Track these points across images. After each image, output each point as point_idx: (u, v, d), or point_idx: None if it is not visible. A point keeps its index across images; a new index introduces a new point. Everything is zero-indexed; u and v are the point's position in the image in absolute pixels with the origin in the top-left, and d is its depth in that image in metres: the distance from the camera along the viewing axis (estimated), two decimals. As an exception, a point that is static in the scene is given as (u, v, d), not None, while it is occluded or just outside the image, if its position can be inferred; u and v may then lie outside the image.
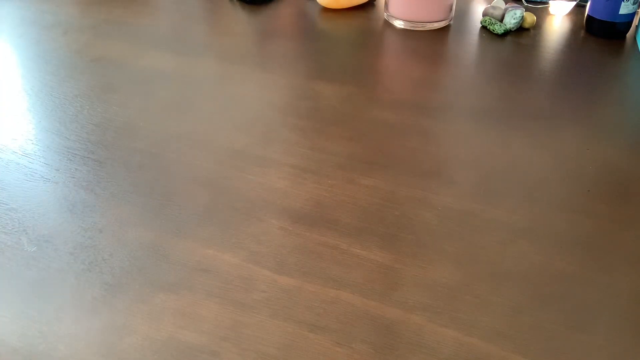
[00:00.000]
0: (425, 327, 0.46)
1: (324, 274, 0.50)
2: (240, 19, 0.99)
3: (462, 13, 1.02)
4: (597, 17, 0.91)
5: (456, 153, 0.66)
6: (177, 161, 0.64)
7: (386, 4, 0.98)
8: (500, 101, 0.75)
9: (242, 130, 0.69)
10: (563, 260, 0.52)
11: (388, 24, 0.98)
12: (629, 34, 0.93)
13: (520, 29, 0.95)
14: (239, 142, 0.67)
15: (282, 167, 0.63)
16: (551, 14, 1.01)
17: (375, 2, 1.06)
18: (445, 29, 0.96)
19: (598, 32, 0.92)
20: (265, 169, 0.63)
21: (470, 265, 0.51)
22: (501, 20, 0.95)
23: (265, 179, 0.61)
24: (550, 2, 1.01)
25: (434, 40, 0.92)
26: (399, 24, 0.97)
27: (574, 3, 1.00)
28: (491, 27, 0.94)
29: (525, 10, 0.96)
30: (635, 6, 0.89)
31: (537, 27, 0.96)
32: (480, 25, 0.97)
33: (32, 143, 0.67)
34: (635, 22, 0.93)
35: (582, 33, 0.94)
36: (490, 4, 1.00)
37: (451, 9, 0.96)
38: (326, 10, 1.03)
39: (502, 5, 0.95)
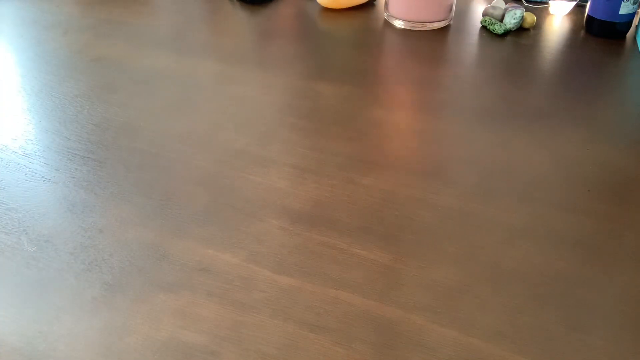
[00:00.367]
0: (425, 327, 0.46)
1: (324, 274, 0.50)
2: (240, 19, 1.00)
3: (462, 13, 1.02)
4: (597, 17, 0.91)
5: (456, 153, 0.66)
6: (177, 161, 0.64)
7: (386, 4, 0.98)
8: (500, 101, 0.75)
9: (242, 130, 0.69)
10: (563, 260, 0.52)
11: (388, 24, 0.98)
12: (629, 34, 0.93)
13: (520, 29, 0.95)
14: (239, 142, 0.67)
15: (282, 167, 0.63)
16: (551, 14, 1.01)
17: (375, 2, 1.06)
18: (445, 29, 0.96)
19: (598, 32, 0.92)
20: (265, 168, 0.63)
21: (470, 265, 0.51)
22: (501, 20, 0.95)
23: (265, 179, 0.61)
24: (550, 2, 1.01)
25: (434, 40, 0.92)
26: (399, 24, 0.97)
27: (574, 3, 1.00)
28: (491, 27, 0.94)
29: (525, 10, 0.96)
30: (635, 6, 0.89)
31: (537, 27, 0.96)
32: (480, 25, 0.97)
33: (32, 143, 0.67)
34: (635, 22, 0.93)
35: (582, 33, 0.94)
36: (490, 4, 1.00)
37: (451, 9, 0.96)
38: (326, 10, 1.03)
39: (502, 5, 0.95)
